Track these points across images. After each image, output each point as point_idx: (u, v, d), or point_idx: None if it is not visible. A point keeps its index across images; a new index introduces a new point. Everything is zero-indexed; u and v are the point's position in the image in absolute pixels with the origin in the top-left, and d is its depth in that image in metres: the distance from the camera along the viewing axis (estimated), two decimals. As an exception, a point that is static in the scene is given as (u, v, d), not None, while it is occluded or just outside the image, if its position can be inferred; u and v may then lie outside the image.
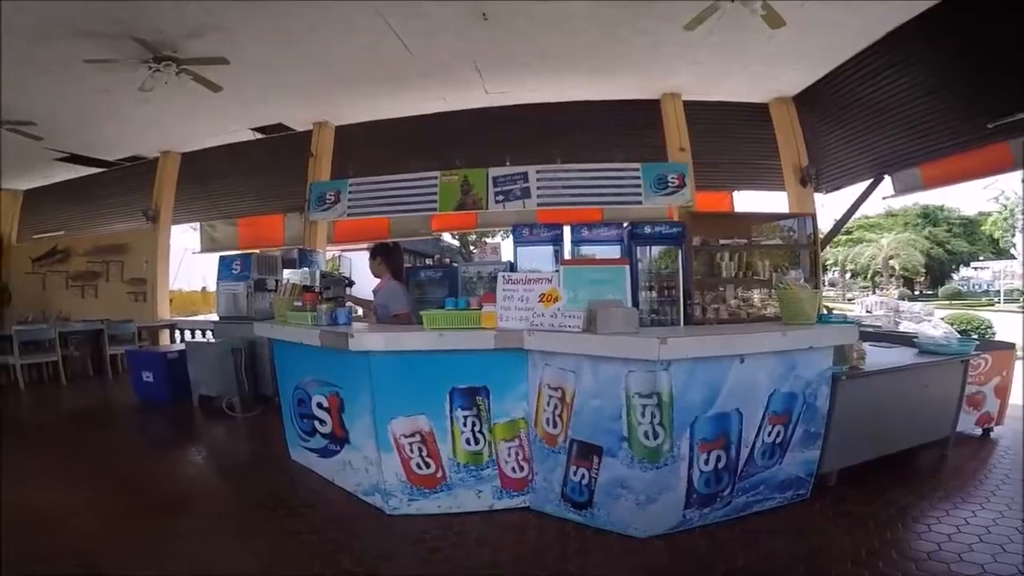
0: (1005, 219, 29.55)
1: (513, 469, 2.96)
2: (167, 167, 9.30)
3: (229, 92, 6.31)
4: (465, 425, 2.91)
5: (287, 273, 6.57)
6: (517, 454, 2.95)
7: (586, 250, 5.89)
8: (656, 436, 2.56)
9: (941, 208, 33.30)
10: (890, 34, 5.57)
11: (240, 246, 9.04)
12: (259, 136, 8.57)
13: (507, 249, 6.55)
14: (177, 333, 9.11)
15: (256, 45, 5.67)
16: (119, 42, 5.30)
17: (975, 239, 32.64)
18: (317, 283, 6.31)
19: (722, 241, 5.80)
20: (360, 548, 2.62)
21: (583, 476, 2.76)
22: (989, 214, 31.11)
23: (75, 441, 4.76)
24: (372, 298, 4.47)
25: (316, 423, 3.46)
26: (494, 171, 6.73)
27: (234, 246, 9.11)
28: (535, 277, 2.96)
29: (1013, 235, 29.74)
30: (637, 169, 6.55)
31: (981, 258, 33.02)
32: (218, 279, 6.40)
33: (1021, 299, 26.45)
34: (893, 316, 13.95)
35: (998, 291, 29.89)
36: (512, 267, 5.94)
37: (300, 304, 3.65)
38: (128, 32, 5.16)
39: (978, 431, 4.11)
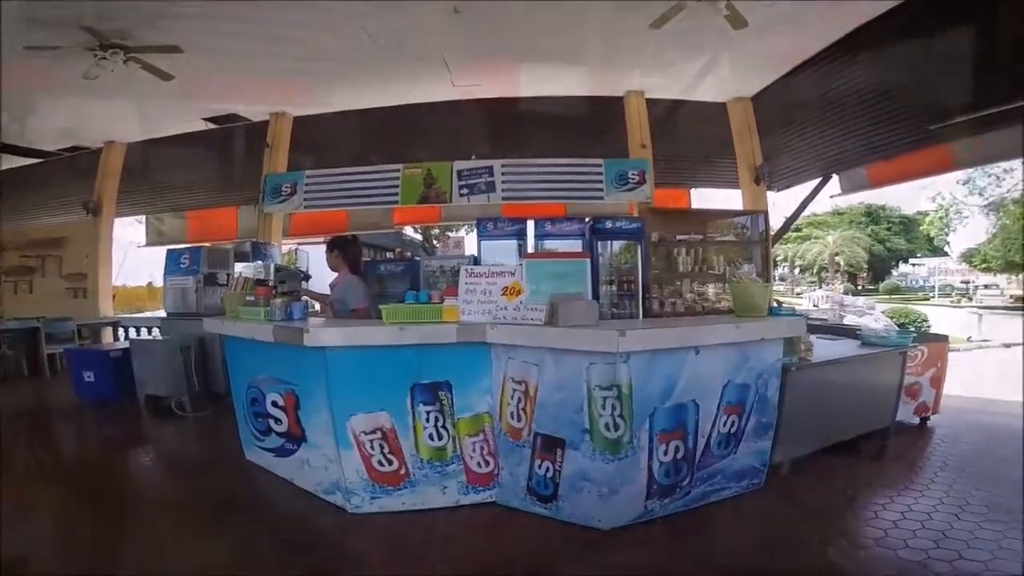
0: (941, 219, 31.35)
1: (479, 464, 2.95)
2: (110, 158, 8.79)
3: (180, 81, 6.02)
4: (428, 421, 2.87)
5: (239, 267, 6.33)
6: (482, 449, 2.94)
7: (549, 244, 5.89)
8: (617, 428, 2.59)
9: (883, 207, 35.04)
10: (845, 37, 5.76)
11: (189, 239, 8.69)
12: (211, 127, 8.21)
13: (471, 243, 6.50)
14: (121, 331, 8.66)
15: (212, 34, 5.41)
16: (67, 30, 4.97)
17: (913, 237, 34.53)
18: (271, 277, 6.11)
19: (679, 237, 5.92)
20: (322, 548, 2.56)
21: (547, 469, 2.77)
22: (926, 214, 32.93)
23: (11, 444, 4.44)
24: (329, 292, 4.37)
25: (271, 422, 3.35)
26: (459, 164, 6.65)
27: (182, 239, 8.75)
28: (498, 270, 2.94)
29: (948, 234, 31.62)
30: (600, 165, 6.59)
31: (918, 255, 34.94)
32: (165, 273, 6.12)
33: (954, 294, 28.18)
34: (838, 310, 14.68)
35: (933, 286, 31.67)
36: (476, 261, 5.90)
37: (253, 299, 3.51)
38: (81, 21, 4.85)
39: (916, 420, 4.33)
